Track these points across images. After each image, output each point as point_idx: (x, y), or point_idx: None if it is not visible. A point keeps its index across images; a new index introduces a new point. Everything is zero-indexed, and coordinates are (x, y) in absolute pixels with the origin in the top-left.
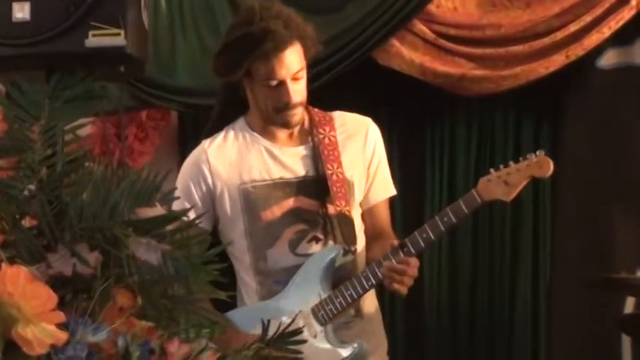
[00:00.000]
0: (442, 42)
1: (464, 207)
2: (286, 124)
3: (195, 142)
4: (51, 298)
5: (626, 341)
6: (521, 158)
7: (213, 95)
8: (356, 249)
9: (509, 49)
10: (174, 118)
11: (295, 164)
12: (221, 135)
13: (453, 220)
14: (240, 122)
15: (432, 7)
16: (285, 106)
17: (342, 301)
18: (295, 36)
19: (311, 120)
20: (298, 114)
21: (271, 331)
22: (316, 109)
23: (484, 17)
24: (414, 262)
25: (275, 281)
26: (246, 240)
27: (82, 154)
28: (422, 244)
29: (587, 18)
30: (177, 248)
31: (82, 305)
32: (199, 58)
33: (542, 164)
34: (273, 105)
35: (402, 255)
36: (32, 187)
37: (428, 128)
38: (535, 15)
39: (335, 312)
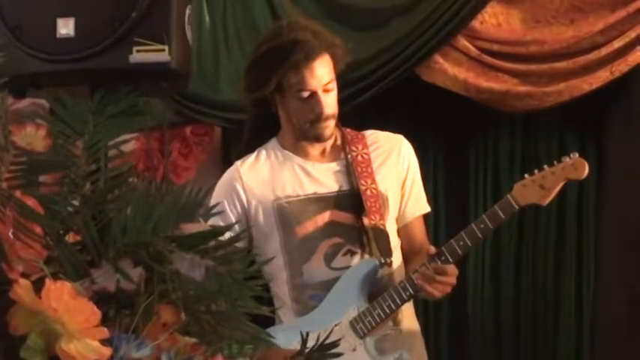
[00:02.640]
0: (486, 58)
1: (500, 213)
2: (319, 137)
3: (239, 158)
4: (94, 313)
5: None
6: (555, 162)
7: None
8: (392, 261)
9: (553, 65)
10: (217, 133)
11: (328, 179)
12: (253, 155)
13: (490, 226)
14: (272, 142)
15: (475, 24)
16: (318, 117)
17: (381, 313)
18: (324, 46)
19: (343, 138)
20: (330, 126)
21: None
22: (348, 129)
23: (528, 33)
24: (452, 270)
25: (310, 296)
26: (283, 256)
27: (126, 170)
28: (459, 251)
29: (632, 34)
30: (221, 264)
31: (126, 321)
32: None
33: (577, 166)
34: (306, 117)
35: (439, 263)
36: (76, 202)
37: (471, 145)
38: (579, 31)
39: (374, 324)
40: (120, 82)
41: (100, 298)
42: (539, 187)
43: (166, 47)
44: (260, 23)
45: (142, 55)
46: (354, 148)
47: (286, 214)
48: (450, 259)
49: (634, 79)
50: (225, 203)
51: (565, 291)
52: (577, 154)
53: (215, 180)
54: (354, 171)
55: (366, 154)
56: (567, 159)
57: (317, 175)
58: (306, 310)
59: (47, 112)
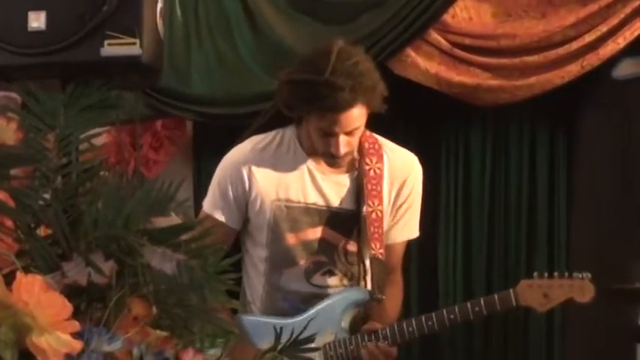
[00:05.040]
0: (457, 52)
1: (497, 303)
2: (331, 165)
3: (210, 152)
4: (66, 307)
5: None
6: (566, 274)
7: (228, 105)
8: (383, 298)
9: (524, 59)
10: (188, 127)
11: (332, 193)
12: (268, 140)
13: (484, 311)
14: (290, 133)
15: (447, 17)
16: (333, 155)
17: (355, 350)
18: (360, 98)
19: (360, 147)
20: (345, 160)
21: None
22: (367, 133)
23: (499, 27)
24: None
25: (283, 298)
26: (266, 252)
27: (97, 163)
28: (447, 323)
29: (603, 28)
30: (192, 258)
31: (97, 314)
32: (214, 68)
33: (584, 290)
34: (321, 149)
35: (425, 329)
36: (47, 196)
37: (443, 138)
38: (550, 25)
39: (344, 357)
40: (91, 75)
41: (71, 292)
42: (542, 295)
43: (138, 41)
44: (231, 17)
45: (113, 48)
46: (368, 161)
47: (280, 219)
48: (436, 327)
49: (605, 73)
50: (229, 184)
51: None
52: (589, 276)
53: (186, 173)
54: (363, 189)
55: (379, 169)
56: (578, 277)
57: (323, 186)
58: (274, 308)
59: (18, 105)
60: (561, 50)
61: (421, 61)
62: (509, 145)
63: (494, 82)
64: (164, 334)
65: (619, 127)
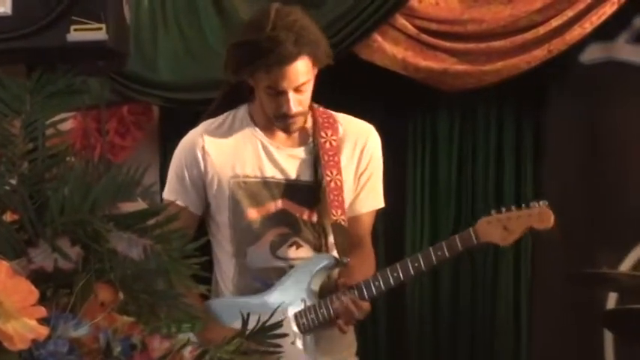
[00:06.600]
0: (424, 37)
1: (459, 244)
2: (285, 131)
3: (177, 137)
4: (32, 292)
5: (608, 337)
6: (523, 205)
7: (195, 90)
8: (348, 261)
9: (490, 44)
10: (155, 112)
11: (289, 166)
12: (220, 120)
13: (446, 254)
14: (243, 111)
15: (414, 2)
16: (284, 115)
17: (325, 313)
18: (304, 50)
19: (314, 122)
20: (298, 122)
21: (251, 326)
22: (321, 109)
23: (466, 12)
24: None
25: (254, 277)
26: (230, 231)
27: (63, 149)
28: (412, 272)
29: (570, 13)
30: (158, 243)
31: (64, 300)
32: (181, 53)
33: (542, 217)
34: (273, 112)
35: (391, 281)
36: (13, 181)
37: (410, 124)
38: (517, 10)
39: (316, 322)
40: (57, 61)
41: (37, 277)
42: (502, 228)
43: (104, 26)
44: (198, 2)
45: (79, 33)
46: (323, 134)
47: (239, 195)
48: (402, 278)
49: (572, 58)
50: (185, 168)
51: (503, 273)
52: (546, 203)
53: (153, 159)
54: (320, 160)
55: (334, 140)
56: (536, 206)
57: (279, 160)
58: (247, 288)
59: None
60: (528, 35)
61: (388, 46)
62: (477, 130)
63: (461, 67)
64: (131, 319)
65: (586, 111)
